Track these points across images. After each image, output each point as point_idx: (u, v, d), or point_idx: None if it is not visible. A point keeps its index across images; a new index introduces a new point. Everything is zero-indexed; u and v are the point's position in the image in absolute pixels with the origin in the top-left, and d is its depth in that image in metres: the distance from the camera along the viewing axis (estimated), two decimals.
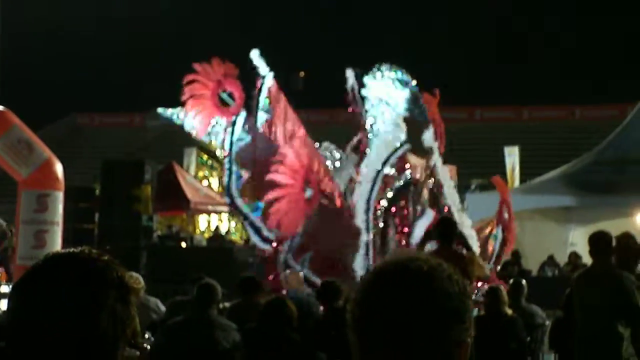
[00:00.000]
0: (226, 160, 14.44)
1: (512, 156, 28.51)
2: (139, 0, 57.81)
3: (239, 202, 14.28)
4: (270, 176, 13.46)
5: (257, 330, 7.71)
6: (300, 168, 13.77)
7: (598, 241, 9.00)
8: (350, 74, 15.05)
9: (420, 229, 14.52)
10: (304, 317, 9.01)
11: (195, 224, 28.54)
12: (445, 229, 10.09)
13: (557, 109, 51.78)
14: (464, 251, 12.13)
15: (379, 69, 15.07)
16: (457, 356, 2.04)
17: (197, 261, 20.28)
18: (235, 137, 14.30)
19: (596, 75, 55.90)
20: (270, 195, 13.50)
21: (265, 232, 14.01)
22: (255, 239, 14.33)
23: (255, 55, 14.74)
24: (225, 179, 14.53)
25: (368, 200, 14.40)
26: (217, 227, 28.56)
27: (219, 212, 27.87)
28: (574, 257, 20.90)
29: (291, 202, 13.61)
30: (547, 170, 25.48)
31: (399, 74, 15.09)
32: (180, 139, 36.40)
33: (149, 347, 8.36)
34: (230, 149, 14.33)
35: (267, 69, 14.75)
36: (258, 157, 14.34)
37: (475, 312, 10.30)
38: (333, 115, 55.15)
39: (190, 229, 27.40)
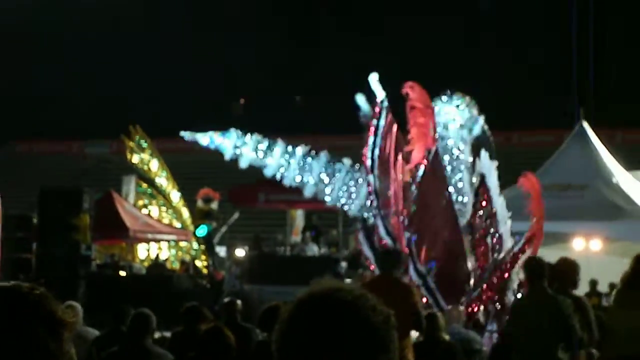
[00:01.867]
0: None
1: None
2: (72, 27, 57.51)
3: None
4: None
5: None
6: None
7: (533, 267, 9.13)
8: (361, 99, 14.59)
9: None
10: (245, 345, 8.99)
11: (135, 253, 28.37)
12: (387, 258, 10.25)
13: (495, 135, 52.20)
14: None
15: (450, 95, 14.88)
16: None
17: (136, 290, 20.16)
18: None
19: (533, 101, 56.63)
20: None
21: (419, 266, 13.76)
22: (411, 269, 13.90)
23: (373, 79, 14.23)
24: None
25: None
26: (157, 256, 28.40)
27: (158, 241, 27.74)
28: None
29: None
30: None
31: (471, 104, 15.01)
32: (119, 167, 36.25)
33: None
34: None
35: (384, 93, 14.29)
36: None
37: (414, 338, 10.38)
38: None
39: (129, 258, 27.22)
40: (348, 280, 19.14)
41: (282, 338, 2.07)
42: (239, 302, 11.79)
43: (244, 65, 61.93)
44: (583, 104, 25.35)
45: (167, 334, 10.82)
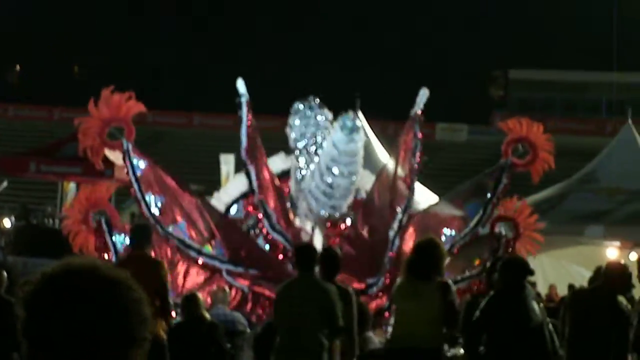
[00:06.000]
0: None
1: (227, 164, 28.82)
2: None
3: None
4: None
5: None
6: None
7: (303, 255, 9.30)
8: (240, 83, 13.98)
9: None
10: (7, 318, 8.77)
11: None
12: (136, 236, 10.31)
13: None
14: None
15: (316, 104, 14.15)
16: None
17: None
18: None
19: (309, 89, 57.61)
20: None
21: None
22: None
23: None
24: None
25: None
26: None
27: None
28: None
29: None
30: None
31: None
32: None
33: None
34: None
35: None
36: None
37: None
38: (50, 113, 53.82)
39: None
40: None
41: (29, 314, 2.04)
42: (4, 273, 11.50)
43: (20, 31, 60.08)
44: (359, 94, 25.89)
45: None
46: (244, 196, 14.29)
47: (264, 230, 13.65)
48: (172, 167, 20.85)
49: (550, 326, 9.16)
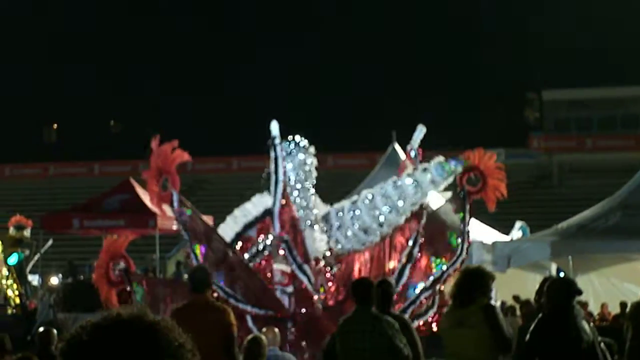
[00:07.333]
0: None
1: None
2: None
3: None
4: None
5: None
6: None
7: (359, 290, 9.33)
8: (274, 126, 13.96)
9: None
10: None
11: None
12: (196, 279, 10.07)
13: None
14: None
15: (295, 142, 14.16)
16: None
17: None
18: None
19: (345, 124, 57.80)
20: None
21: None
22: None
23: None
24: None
25: None
26: None
27: None
28: None
29: None
30: None
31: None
32: None
33: None
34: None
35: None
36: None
37: None
38: (89, 168, 54.27)
39: None
40: None
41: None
42: (54, 331, 11.60)
43: (55, 90, 60.77)
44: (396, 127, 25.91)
45: None
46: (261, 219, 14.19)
47: (264, 263, 13.62)
48: (213, 213, 20.97)
49: (603, 345, 9.11)
